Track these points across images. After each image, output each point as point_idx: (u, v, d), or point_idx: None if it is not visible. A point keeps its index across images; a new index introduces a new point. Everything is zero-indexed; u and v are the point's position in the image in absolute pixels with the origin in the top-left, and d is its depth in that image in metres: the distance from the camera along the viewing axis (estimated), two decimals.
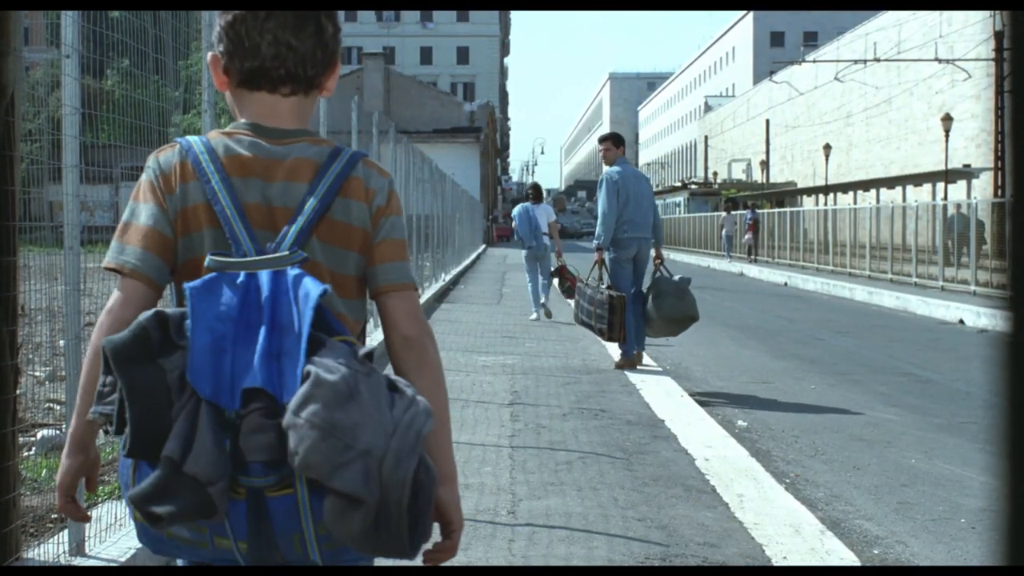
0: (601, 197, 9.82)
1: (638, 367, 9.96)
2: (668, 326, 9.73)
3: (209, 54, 1.97)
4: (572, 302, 10.21)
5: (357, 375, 1.65)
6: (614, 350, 10.53)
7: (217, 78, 1.96)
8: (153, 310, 1.72)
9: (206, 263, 1.77)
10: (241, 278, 1.74)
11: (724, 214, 39.85)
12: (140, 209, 1.86)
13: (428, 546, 1.82)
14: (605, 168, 10.02)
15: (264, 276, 1.74)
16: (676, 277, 9.81)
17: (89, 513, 2.21)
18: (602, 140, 10.16)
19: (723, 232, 38.90)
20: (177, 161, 1.87)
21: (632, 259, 9.88)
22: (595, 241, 9.94)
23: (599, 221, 9.85)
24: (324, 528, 1.67)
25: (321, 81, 1.94)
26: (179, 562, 1.88)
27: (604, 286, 9.81)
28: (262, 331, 1.69)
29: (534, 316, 15.13)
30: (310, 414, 1.59)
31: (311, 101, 1.97)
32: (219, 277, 1.73)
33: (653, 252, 10.03)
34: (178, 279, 1.85)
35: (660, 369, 10.33)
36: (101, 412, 1.71)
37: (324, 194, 1.86)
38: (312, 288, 1.71)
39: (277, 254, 1.78)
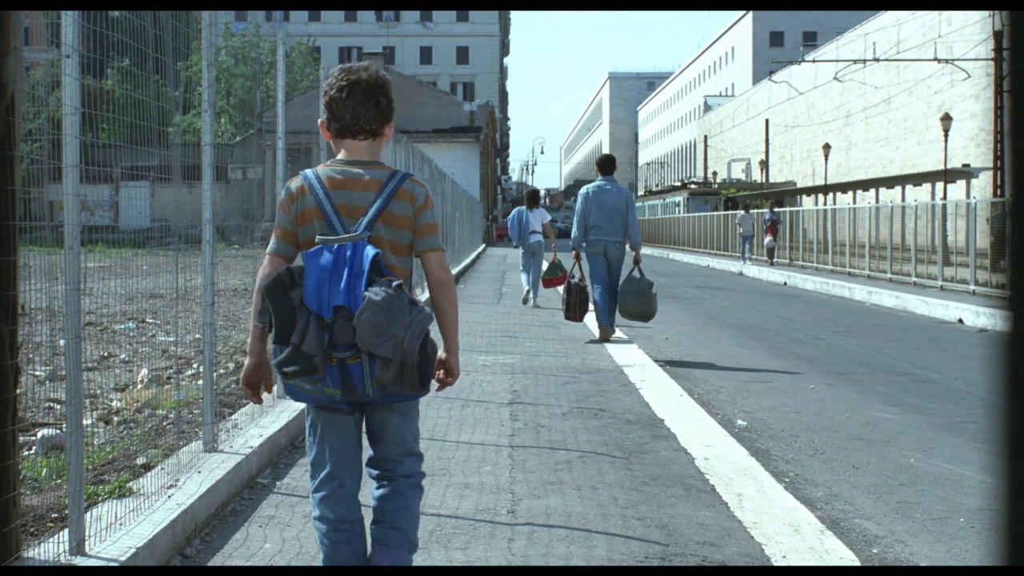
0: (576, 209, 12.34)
1: (601, 341, 12.12)
2: (629, 317, 11.86)
3: (319, 120, 3.50)
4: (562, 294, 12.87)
5: (391, 296, 3.17)
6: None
7: (324, 134, 3.50)
8: (287, 266, 3.30)
9: (316, 240, 3.30)
10: (335, 247, 3.26)
11: (742, 213, 36.64)
12: (279, 216, 3.43)
13: (436, 385, 3.50)
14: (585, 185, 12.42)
15: (348, 246, 3.26)
16: (643, 278, 11.72)
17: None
18: (596, 166, 12.53)
19: (740, 232, 35.27)
20: (298, 184, 3.41)
21: (602, 255, 11.93)
22: (571, 244, 12.55)
23: (573, 228, 12.31)
24: (379, 381, 3.23)
25: (381, 131, 3.47)
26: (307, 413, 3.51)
27: (574, 278, 12.49)
28: (344, 275, 3.22)
29: (526, 289, 17.70)
30: (365, 316, 3.14)
31: (378, 143, 3.49)
32: (323, 247, 3.26)
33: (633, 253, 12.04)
34: (301, 249, 3.36)
35: (628, 339, 12.44)
36: (260, 320, 3.32)
37: (383, 199, 3.36)
38: (369, 253, 3.24)
39: (353, 234, 3.29)
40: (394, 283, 3.21)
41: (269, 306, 3.24)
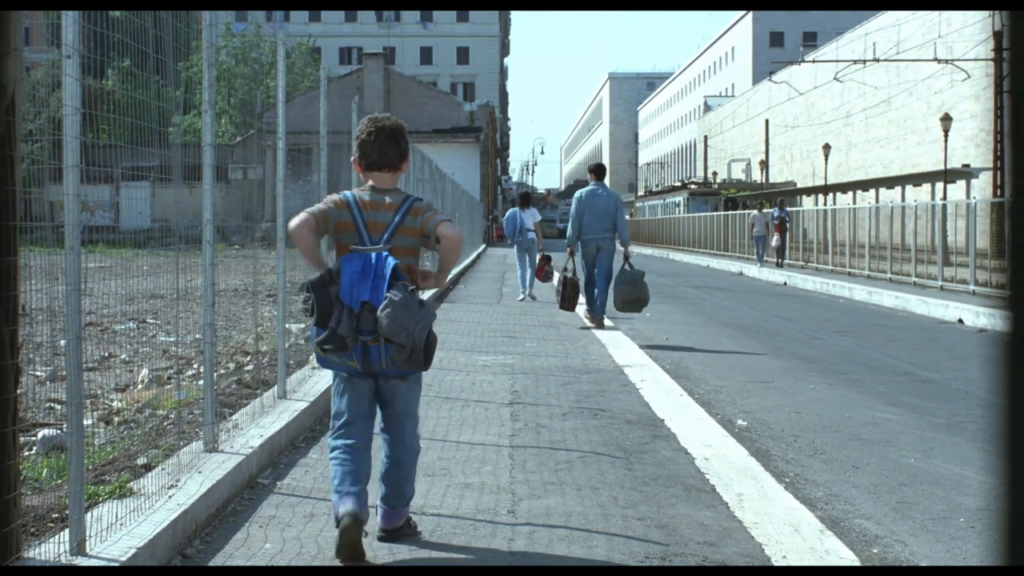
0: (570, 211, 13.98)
1: (602, 327, 13.66)
2: (625, 305, 13.33)
3: (352, 158, 4.64)
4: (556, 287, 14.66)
5: (407, 297, 4.20)
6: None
7: (356, 167, 4.63)
8: (328, 268, 4.34)
9: (350, 249, 4.36)
10: (364, 255, 4.30)
11: (755, 212, 34.42)
12: (327, 203, 4.47)
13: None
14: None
15: (374, 254, 4.31)
16: (635, 269, 13.34)
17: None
18: (588, 171, 14.32)
19: (753, 232, 32.95)
20: (340, 198, 4.48)
21: (594, 252, 13.55)
22: (566, 242, 14.11)
23: (568, 228, 13.94)
24: (392, 359, 4.27)
25: (400, 166, 4.61)
26: (333, 375, 4.63)
27: (568, 272, 14.00)
28: (371, 277, 4.25)
29: (521, 297, 18.91)
30: (386, 312, 4.17)
31: (398, 174, 4.61)
32: (354, 255, 4.32)
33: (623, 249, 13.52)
34: (337, 254, 4.41)
35: (614, 326, 13.85)
36: (303, 307, 4.33)
37: (400, 217, 4.46)
38: (391, 262, 4.28)
39: (377, 246, 4.36)
40: (409, 288, 4.28)
41: (312, 297, 4.28)
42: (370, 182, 4.53)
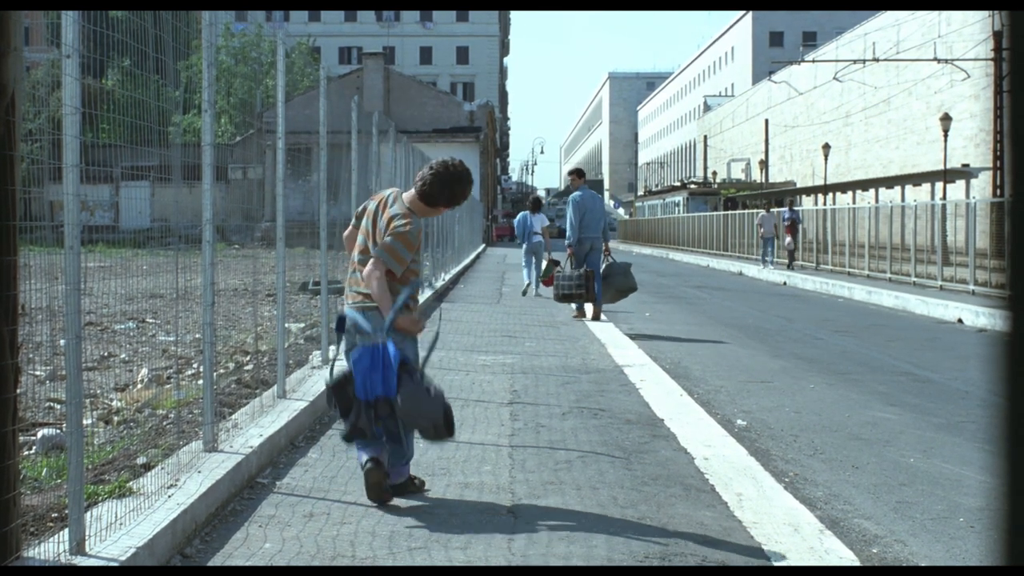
0: (568, 213, 14.88)
1: (593, 320, 14.77)
2: (616, 295, 14.84)
3: (418, 174, 5.49)
4: (553, 287, 14.96)
5: (413, 391, 5.12)
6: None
7: (415, 180, 5.52)
8: (344, 372, 5.25)
9: (358, 344, 5.33)
10: (370, 350, 5.18)
11: (762, 212, 33.22)
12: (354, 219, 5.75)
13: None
14: (572, 194, 15.00)
15: (380, 346, 5.16)
16: (620, 262, 14.96)
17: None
18: (570, 174, 15.13)
19: (760, 233, 31.81)
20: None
21: (587, 251, 14.66)
22: (567, 242, 14.85)
23: (567, 229, 14.85)
24: (420, 435, 5.33)
25: (435, 207, 5.49)
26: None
27: (582, 269, 14.64)
28: (380, 368, 5.13)
29: (525, 291, 20.16)
30: (404, 408, 5.11)
31: (434, 211, 5.50)
32: (363, 350, 5.20)
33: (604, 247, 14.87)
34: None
35: (608, 320, 14.86)
36: (329, 412, 6.07)
37: (403, 299, 5.40)
38: (395, 356, 5.14)
39: (379, 337, 5.20)
40: (416, 375, 5.13)
41: (334, 397, 5.22)
42: (411, 200, 5.38)
